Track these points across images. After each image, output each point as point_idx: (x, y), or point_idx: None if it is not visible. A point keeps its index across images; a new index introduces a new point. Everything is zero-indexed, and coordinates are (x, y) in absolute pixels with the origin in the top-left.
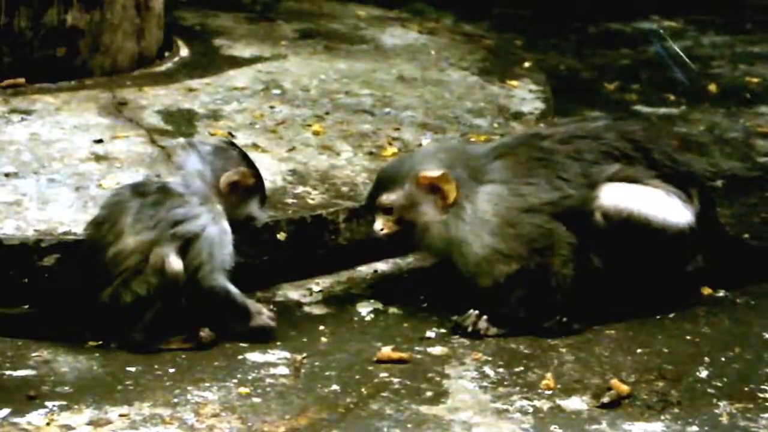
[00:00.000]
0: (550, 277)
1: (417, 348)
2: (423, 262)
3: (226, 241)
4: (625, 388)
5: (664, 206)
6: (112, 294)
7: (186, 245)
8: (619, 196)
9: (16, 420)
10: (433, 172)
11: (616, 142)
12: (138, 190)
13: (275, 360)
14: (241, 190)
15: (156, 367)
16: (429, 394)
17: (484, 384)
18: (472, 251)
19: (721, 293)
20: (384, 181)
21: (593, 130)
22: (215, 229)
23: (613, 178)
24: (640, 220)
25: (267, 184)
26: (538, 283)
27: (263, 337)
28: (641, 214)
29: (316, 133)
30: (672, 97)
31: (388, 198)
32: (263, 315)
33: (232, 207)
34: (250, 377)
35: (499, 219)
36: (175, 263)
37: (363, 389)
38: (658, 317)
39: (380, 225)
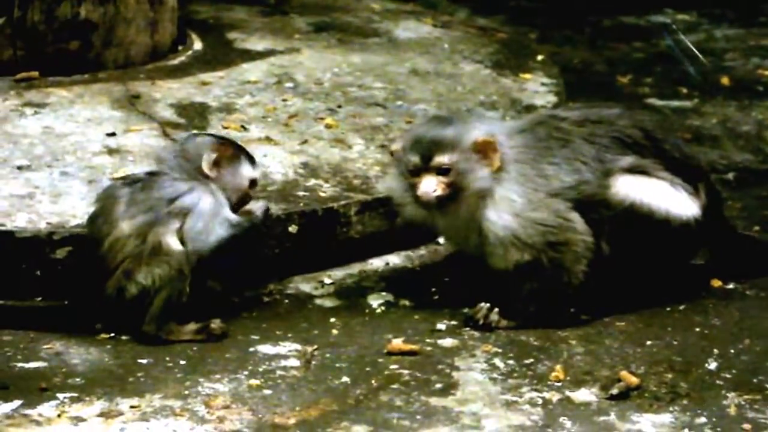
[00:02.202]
0: (562, 273)
1: (428, 340)
2: (434, 254)
3: (222, 212)
4: (634, 380)
5: (667, 198)
6: (117, 287)
7: (184, 221)
8: (624, 185)
9: (27, 412)
10: (488, 137)
11: (627, 130)
12: (127, 181)
13: (286, 352)
14: (227, 162)
15: (167, 359)
16: (439, 385)
17: (494, 376)
18: (493, 231)
19: (731, 286)
20: (438, 143)
21: (606, 116)
22: (209, 200)
23: (627, 169)
24: (642, 210)
25: (279, 177)
26: (550, 278)
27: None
28: (644, 204)
29: (328, 126)
30: (685, 90)
31: (447, 158)
32: (254, 212)
33: (230, 182)
34: (260, 369)
35: (524, 200)
36: (174, 243)
37: (373, 381)
38: (667, 309)
39: (434, 185)
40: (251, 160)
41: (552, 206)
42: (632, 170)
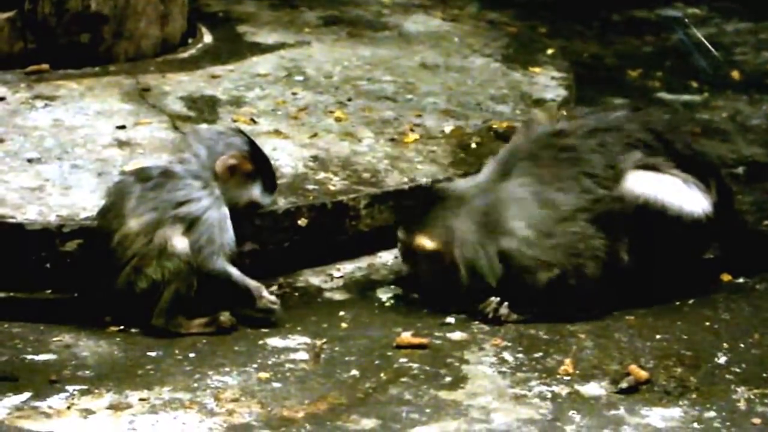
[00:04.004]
0: (581, 275)
1: (437, 333)
2: None
3: (226, 225)
4: (643, 374)
5: (680, 194)
6: (127, 281)
7: (189, 227)
8: (636, 182)
9: (36, 404)
10: (429, 242)
11: (638, 134)
12: (140, 175)
13: (295, 345)
14: (240, 174)
15: (176, 351)
16: (448, 379)
17: (503, 369)
18: (516, 263)
19: (741, 280)
20: (406, 222)
21: (615, 121)
22: (215, 213)
23: (636, 166)
24: (656, 206)
25: (288, 170)
26: (569, 279)
27: (268, 321)
28: (657, 200)
29: (338, 120)
30: (695, 84)
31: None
32: (264, 298)
33: (232, 192)
34: (270, 362)
35: (534, 231)
36: (179, 243)
37: (382, 374)
38: (677, 303)
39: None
40: (268, 187)
41: (567, 229)
42: (644, 167)
